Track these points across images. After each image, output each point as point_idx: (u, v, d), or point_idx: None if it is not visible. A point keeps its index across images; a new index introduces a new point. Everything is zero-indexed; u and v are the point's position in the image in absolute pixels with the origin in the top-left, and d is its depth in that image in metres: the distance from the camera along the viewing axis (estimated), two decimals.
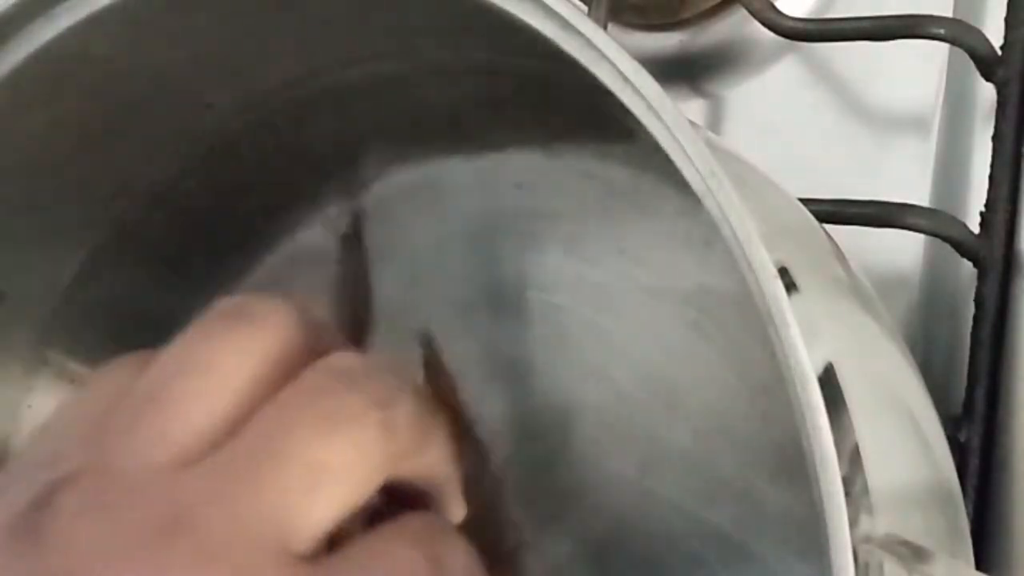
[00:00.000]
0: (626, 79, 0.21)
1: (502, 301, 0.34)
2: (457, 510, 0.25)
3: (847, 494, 0.19)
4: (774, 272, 0.20)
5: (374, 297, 0.33)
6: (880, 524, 0.20)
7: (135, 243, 0.34)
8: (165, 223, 0.35)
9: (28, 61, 0.27)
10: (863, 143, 0.37)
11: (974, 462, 0.32)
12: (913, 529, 0.22)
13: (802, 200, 0.29)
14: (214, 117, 0.32)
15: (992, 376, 0.32)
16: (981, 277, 0.32)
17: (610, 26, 0.38)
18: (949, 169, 0.35)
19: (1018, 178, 0.33)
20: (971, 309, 0.33)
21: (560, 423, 0.32)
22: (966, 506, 0.28)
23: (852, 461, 0.19)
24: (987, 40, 0.33)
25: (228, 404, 0.22)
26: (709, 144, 0.21)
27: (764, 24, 0.36)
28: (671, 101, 0.21)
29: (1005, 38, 0.34)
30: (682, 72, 0.41)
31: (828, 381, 0.19)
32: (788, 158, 0.34)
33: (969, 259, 0.33)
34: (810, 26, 0.36)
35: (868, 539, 0.19)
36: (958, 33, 0.33)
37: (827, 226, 0.29)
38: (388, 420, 0.22)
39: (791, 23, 0.36)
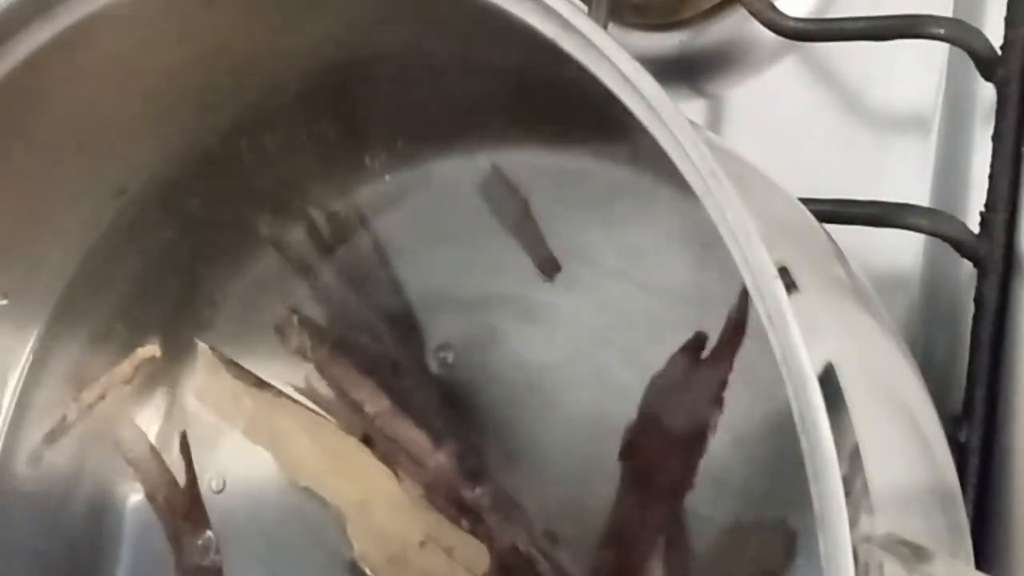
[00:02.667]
0: (626, 79, 0.21)
1: (500, 301, 0.34)
2: None
3: (847, 494, 0.19)
4: (774, 272, 0.20)
5: None
6: (880, 524, 0.20)
7: (134, 243, 0.34)
8: (164, 223, 0.35)
9: (28, 61, 0.27)
10: (863, 143, 0.37)
11: (974, 462, 0.31)
12: (913, 529, 0.22)
13: (802, 200, 0.29)
14: (214, 117, 0.32)
15: (992, 376, 0.32)
16: (981, 277, 0.32)
17: (610, 26, 0.38)
18: (949, 169, 0.35)
19: (1018, 178, 0.33)
20: (971, 309, 0.32)
21: (558, 422, 0.32)
22: (966, 506, 0.28)
23: (852, 461, 0.19)
24: (987, 40, 0.33)
25: None
26: (709, 144, 0.21)
27: (764, 24, 0.36)
28: (671, 101, 0.21)
29: (1005, 38, 0.33)
30: (682, 72, 0.41)
31: (828, 381, 0.19)
32: (788, 158, 0.34)
33: (969, 259, 0.33)
34: (810, 26, 0.36)
35: (868, 539, 0.19)
36: (958, 33, 0.33)
37: (827, 226, 0.29)
38: None
39: (791, 23, 0.36)
